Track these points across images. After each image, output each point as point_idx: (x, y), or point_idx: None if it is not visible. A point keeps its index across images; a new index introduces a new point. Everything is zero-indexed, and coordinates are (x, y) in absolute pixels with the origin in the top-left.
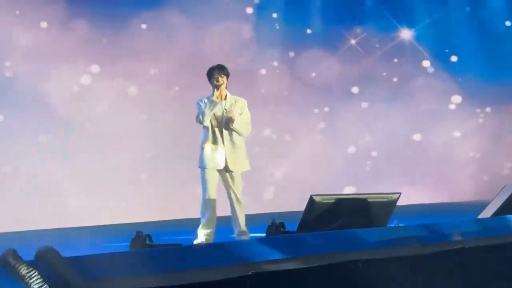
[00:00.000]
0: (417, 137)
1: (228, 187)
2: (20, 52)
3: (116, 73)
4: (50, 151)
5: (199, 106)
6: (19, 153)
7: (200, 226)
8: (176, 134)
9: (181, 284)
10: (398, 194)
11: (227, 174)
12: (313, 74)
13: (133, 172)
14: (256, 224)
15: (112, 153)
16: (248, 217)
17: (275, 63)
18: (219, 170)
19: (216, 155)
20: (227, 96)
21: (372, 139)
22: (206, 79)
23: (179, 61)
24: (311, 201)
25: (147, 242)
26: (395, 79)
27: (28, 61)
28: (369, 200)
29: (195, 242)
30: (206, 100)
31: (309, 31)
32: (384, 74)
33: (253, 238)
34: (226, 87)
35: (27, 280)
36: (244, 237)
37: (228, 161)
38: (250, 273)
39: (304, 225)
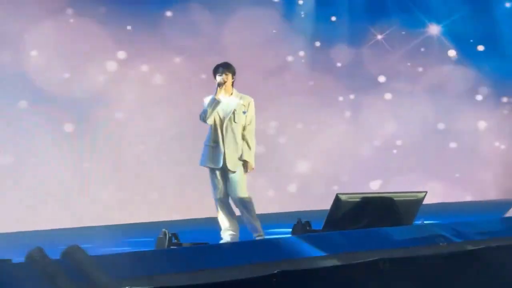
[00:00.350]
0: (441, 127)
1: (228, 188)
2: (45, 39)
3: (141, 61)
4: (76, 141)
5: (204, 104)
6: (44, 143)
7: (222, 230)
8: (203, 125)
9: (208, 283)
10: (424, 193)
11: (227, 174)
12: (339, 64)
13: (159, 165)
14: (282, 222)
15: (138, 144)
16: (275, 215)
17: (301, 53)
18: (221, 169)
19: (216, 154)
20: (233, 94)
21: (397, 129)
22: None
23: (205, 48)
24: (337, 200)
25: (174, 240)
26: (420, 69)
27: (53, 49)
28: (395, 198)
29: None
30: (210, 98)
31: (333, 18)
32: (409, 64)
33: (279, 237)
34: (233, 85)
35: (53, 279)
36: (256, 235)
37: (227, 160)
38: (276, 271)
39: (330, 223)
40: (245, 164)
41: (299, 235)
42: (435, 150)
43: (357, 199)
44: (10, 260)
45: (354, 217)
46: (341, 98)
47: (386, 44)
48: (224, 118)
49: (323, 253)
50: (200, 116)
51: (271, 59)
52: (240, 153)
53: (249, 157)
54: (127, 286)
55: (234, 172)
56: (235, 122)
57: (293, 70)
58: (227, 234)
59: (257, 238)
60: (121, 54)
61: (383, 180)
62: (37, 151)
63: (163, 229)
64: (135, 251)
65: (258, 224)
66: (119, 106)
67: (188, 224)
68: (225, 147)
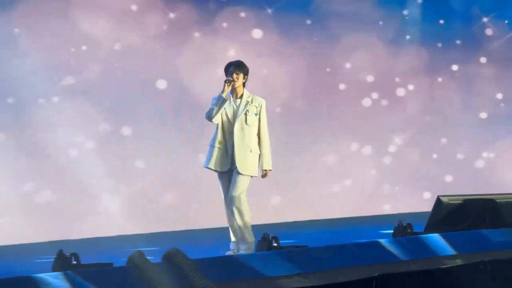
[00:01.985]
0: None
1: (230, 191)
2: None
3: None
4: (167, 98)
5: (212, 102)
6: (138, 113)
7: (233, 241)
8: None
9: (307, 286)
10: None
11: (232, 174)
12: (439, 45)
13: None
14: (383, 225)
15: None
16: (377, 217)
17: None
18: (227, 172)
19: (223, 156)
20: (243, 95)
21: (503, 98)
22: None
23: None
24: (438, 202)
25: (274, 244)
26: None
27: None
28: (497, 200)
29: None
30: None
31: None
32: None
33: (379, 240)
34: (244, 85)
35: (154, 282)
36: (244, 248)
37: (236, 161)
38: (376, 274)
39: (432, 226)
40: (265, 172)
41: (400, 238)
42: None
43: (459, 201)
44: (111, 264)
45: (456, 219)
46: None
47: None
48: (233, 119)
49: (424, 256)
50: (206, 114)
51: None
52: (251, 156)
53: (269, 164)
54: None
55: (241, 175)
56: (247, 125)
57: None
58: (231, 245)
59: (241, 252)
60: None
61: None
62: (134, 119)
63: (264, 232)
64: (235, 254)
65: (248, 236)
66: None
67: (289, 227)
68: (235, 150)
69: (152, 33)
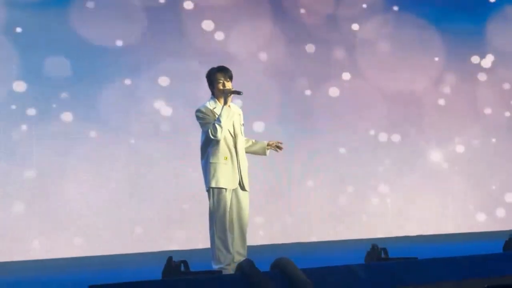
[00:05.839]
0: None
1: (238, 209)
2: None
3: None
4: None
5: (206, 116)
6: None
7: (223, 264)
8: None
9: None
10: None
11: (240, 193)
12: None
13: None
14: (492, 240)
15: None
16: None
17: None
18: (232, 190)
19: (230, 172)
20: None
21: None
22: None
23: None
24: None
25: (382, 255)
26: None
27: None
28: None
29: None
30: (213, 107)
31: None
32: None
33: (489, 253)
34: None
35: None
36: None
37: (243, 177)
38: (486, 286)
39: None
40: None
41: (510, 251)
42: None
43: None
44: (220, 271)
45: None
46: None
47: None
48: (233, 131)
49: None
50: (213, 130)
51: None
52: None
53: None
54: None
55: (246, 191)
56: (244, 137)
57: None
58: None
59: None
60: None
61: None
62: None
63: (373, 244)
64: (345, 265)
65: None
66: None
67: (398, 240)
68: (240, 164)
69: None
